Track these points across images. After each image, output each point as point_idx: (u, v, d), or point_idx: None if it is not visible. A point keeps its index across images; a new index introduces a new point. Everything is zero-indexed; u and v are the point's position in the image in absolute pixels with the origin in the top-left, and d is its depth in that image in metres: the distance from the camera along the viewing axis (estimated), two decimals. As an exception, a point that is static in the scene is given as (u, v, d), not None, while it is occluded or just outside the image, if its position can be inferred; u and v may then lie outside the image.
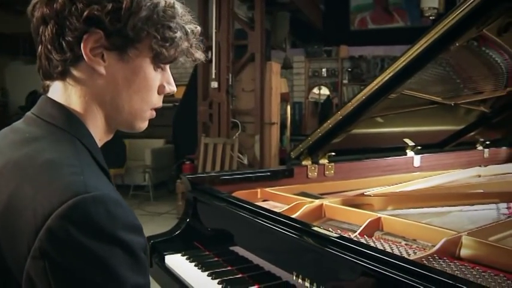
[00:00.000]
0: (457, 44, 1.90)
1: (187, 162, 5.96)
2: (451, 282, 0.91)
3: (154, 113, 0.92)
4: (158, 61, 0.86)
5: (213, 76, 5.53)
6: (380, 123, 2.37)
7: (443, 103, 2.42)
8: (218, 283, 1.49)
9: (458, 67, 2.27)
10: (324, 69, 8.58)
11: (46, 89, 0.87)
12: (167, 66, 0.90)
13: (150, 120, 0.94)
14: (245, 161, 5.57)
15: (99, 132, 0.87)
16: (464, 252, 1.23)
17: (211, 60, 5.58)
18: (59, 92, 0.85)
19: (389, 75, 1.85)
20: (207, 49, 5.41)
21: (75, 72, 0.83)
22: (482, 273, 1.11)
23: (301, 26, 8.07)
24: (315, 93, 8.59)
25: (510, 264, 1.13)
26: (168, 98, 0.92)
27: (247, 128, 5.73)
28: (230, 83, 5.54)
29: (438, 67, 2.19)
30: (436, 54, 1.90)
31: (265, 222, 1.43)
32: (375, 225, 1.46)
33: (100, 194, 0.72)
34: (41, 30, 0.82)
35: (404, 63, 1.81)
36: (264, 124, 5.66)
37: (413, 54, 1.79)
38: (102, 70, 0.82)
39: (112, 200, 0.73)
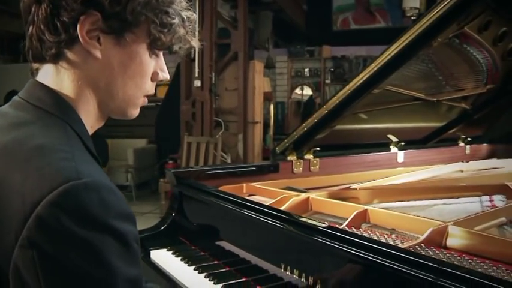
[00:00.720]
0: (439, 40, 1.92)
1: (170, 162, 5.93)
2: (439, 267, 0.91)
3: (146, 100, 0.90)
4: (155, 47, 0.85)
5: (196, 75, 5.51)
6: (364, 119, 2.39)
7: (426, 99, 2.45)
8: (205, 277, 1.48)
9: (441, 64, 2.30)
10: (306, 69, 8.62)
11: (34, 73, 0.84)
12: (161, 53, 0.89)
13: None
14: (228, 160, 5.56)
15: (90, 119, 0.85)
16: (450, 241, 1.24)
17: (194, 59, 5.56)
18: (50, 75, 0.82)
19: (373, 71, 1.86)
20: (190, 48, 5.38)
21: (69, 55, 0.80)
22: (469, 261, 1.13)
23: (284, 26, 8.09)
24: (297, 93, 8.62)
25: (496, 252, 1.14)
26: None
27: (231, 127, 5.72)
28: (213, 81, 5.53)
29: (421, 63, 2.22)
30: (418, 49, 1.92)
31: (252, 214, 1.43)
32: (362, 217, 1.46)
33: (92, 180, 0.69)
34: (33, 9, 0.79)
35: (387, 59, 1.83)
36: (247, 123, 5.66)
37: (396, 50, 1.80)
38: (97, 54, 0.80)
39: (105, 187, 0.70)
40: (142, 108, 0.92)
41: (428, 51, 2.09)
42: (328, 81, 8.47)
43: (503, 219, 1.48)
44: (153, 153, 7.50)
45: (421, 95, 2.41)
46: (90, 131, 0.86)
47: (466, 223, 1.31)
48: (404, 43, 1.78)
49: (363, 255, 1.05)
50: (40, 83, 0.81)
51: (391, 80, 2.02)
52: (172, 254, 1.68)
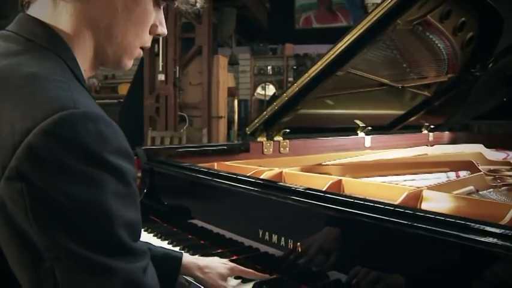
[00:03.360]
0: (400, 23, 1.95)
1: (135, 157, 5.82)
2: (413, 212, 0.92)
3: (141, 52, 0.86)
4: None
5: (160, 69, 5.45)
6: (331, 105, 2.42)
7: (391, 85, 2.50)
8: (180, 249, 1.45)
9: (405, 50, 2.35)
10: (269, 67, 8.65)
11: (25, 5, 0.77)
12: (161, 8, 0.86)
13: None
14: (193, 155, 5.50)
15: (85, 62, 0.79)
16: (425, 205, 1.26)
17: (158, 54, 5.51)
18: (46, 9, 0.75)
19: (338, 52, 1.87)
20: (154, 42, 5.32)
21: None
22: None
23: (247, 24, 8.11)
24: (260, 93, 8.63)
25: (469, 213, 1.16)
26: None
27: (195, 121, 5.68)
28: (177, 76, 5.48)
29: (386, 49, 2.26)
30: (381, 30, 1.93)
31: (227, 183, 1.41)
32: (336, 188, 1.47)
33: (91, 111, 0.64)
34: None
35: (352, 39, 1.85)
36: (212, 118, 5.63)
37: (359, 31, 1.82)
38: None
39: (104, 120, 0.65)
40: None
41: (393, 36, 2.13)
42: (291, 79, 8.52)
43: (471, 187, 1.52)
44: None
45: (386, 81, 2.46)
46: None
47: (438, 189, 1.34)
48: (367, 25, 1.80)
49: (344, 213, 1.05)
50: (32, 16, 0.75)
51: (356, 62, 2.05)
52: (144, 231, 1.64)
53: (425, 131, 3.10)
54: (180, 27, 5.60)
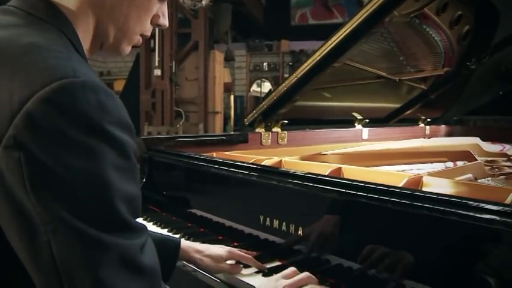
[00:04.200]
0: (396, 14, 1.96)
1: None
2: (414, 193, 0.93)
3: (141, 40, 0.86)
4: None
5: (156, 64, 5.44)
6: (329, 97, 2.43)
7: (388, 78, 2.51)
8: (180, 237, 1.45)
9: (402, 43, 2.36)
10: (265, 63, 8.63)
11: None
12: (166, 1, 0.87)
13: None
14: (189, 150, 5.50)
15: (85, 41, 0.78)
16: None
17: (154, 49, 5.50)
18: None
19: (338, 40, 1.88)
20: (150, 37, 5.32)
21: None
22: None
23: (243, 20, 8.10)
24: (255, 90, 8.62)
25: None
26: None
27: (191, 117, 5.68)
28: (173, 71, 5.47)
29: (383, 42, 2.27)
30: (378, 21, 1.94)
31: (228, 169, 1.41)
32: (337, 175, 1.48)
33: (92, 81, 0.62)
34: None
35: (350, 29, 1.85)
36: (208, 113, 5.63)
37: (357, 21, 1.82)
38: None
39: (105, 91, 0.64)
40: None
41: (390, 28, 2.14)
42: (286, 75, 8.44)
43: (470, 175, 1.53)
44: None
45: (383, 74, 2.47)
46: None
47: (438, 175, 1.35)
48: (364, 16, 1.80)
49: (345, 194, 1.05)
50: None
51: (354, 54, 2.05)
52: (144, 219, 1.64)
53: (421, 125, 3.12)
54: (176, 22, 5.58)
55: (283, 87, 1.97)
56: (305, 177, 1.16)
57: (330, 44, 1.87)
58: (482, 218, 0.80)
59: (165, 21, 0.88)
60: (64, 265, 0.59)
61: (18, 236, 0.61)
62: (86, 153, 0.60)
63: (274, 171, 1.29)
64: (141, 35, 0.86)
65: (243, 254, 1.21)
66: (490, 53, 2.72)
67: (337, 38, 1.87)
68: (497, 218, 0.78)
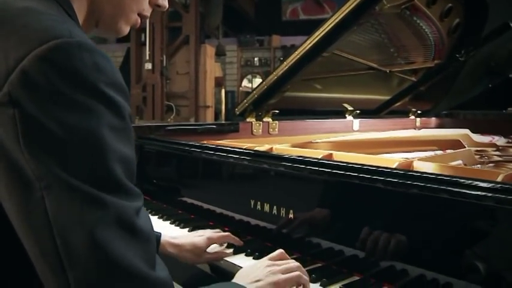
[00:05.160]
0: (386, 5, 1.96)
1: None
2: (406, 173, 0.93)
3: (139, 21, 0.85)
4: None
5: (147, 57, 5.41)
6: (319, 88, 2.43)
7: (378, 69, 2.51)
8: (171, 223, 1.46)
9: (393, 35, 2.36)
10: (256, 59, 8.63)
11: None
12: None
13: None
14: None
15: (79, 16, 0.77)
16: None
17: (144, 43, 5.47)
18: None
19: (330, 27, 1.88)
20: (141, 31, 5.29)
21: None
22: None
23: (234, 15, 8.07)
24: (246, 86, 8.61)
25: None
26: None
27: (182, 111, 5.66)
28: (164, 65, 5.45)
29: (374, 33, 2.27)
30: (367, 9, 1.93)
31: (218, 154, 1.41)
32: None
33: (87, 42, 0.62)
34: None
35: (340, 17, 1.84)
36: (199, 107, 5.62)
37: (347, 9, 1.81)
38: None
39: (99, 52, 0.63)
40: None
41: (381, 20, 2.14)
42: (278, 70, 8.50)
43: (460, 161, 1.53)
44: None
45: (374, 65, 2.47)
46: None
47: (429, 160, 1.35)
48: (353, 4, 1.79)
49: (337, 175, 1.05)
50: None
51: (344, 44, 2.05)
52: (134, 207, 1.63)
53: (412, 117, 3.13)
54: (167, 15, 5.56)
55: (273, 76, 1.97)
56: (296, 160, 1.16)
57: (321, 33, 1.87)
58: (473, 194, 0.80)
59: (164, 1, 0.87)
60: (58, 222, 0.58)
61: (11, 194, 0.60)
62: (81, 111, 0.59)
63: (265, 155, 1.29)
64: (140, 15, 0.84)
65: (221, 234, 1.21)
66: (479, 45, 2.74)
67: (327, 26, 1.86)
68: (488, 194, 0.78)
